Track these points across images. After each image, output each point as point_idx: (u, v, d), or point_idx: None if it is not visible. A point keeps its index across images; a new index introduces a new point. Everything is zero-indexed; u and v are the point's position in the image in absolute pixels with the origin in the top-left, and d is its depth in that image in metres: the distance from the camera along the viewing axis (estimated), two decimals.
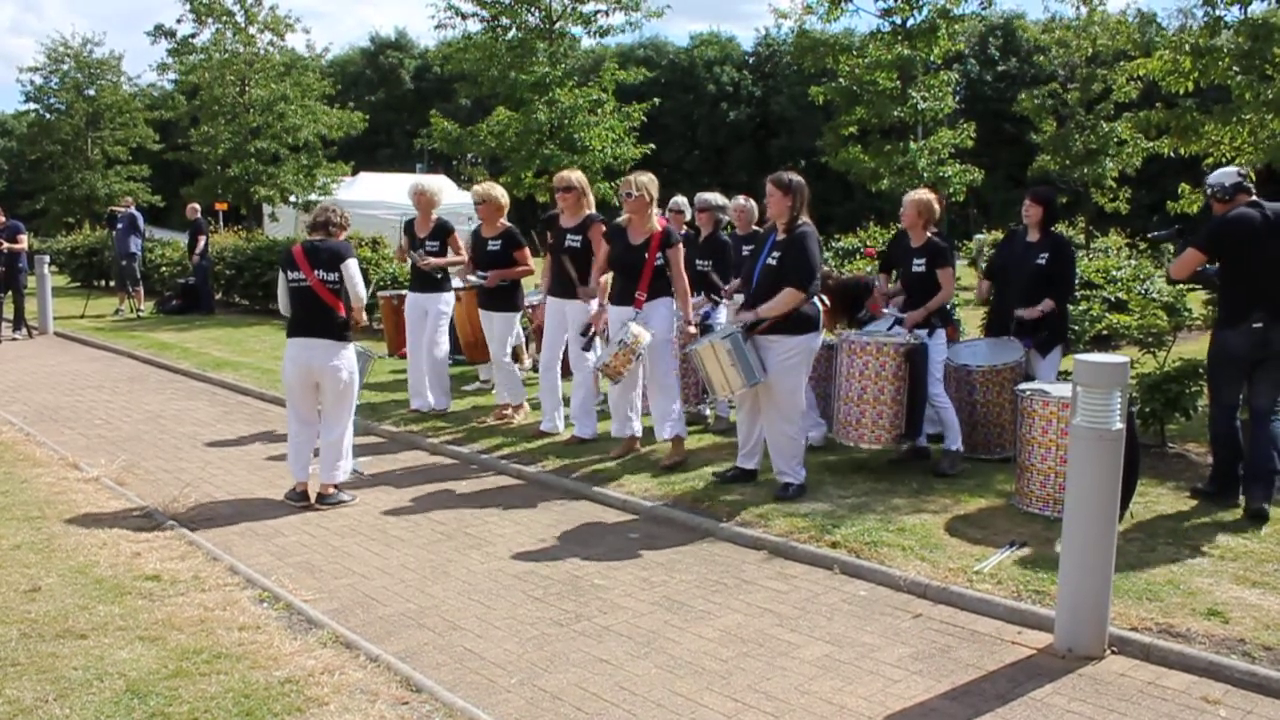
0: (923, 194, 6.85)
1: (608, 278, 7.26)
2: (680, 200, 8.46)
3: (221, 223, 28.41)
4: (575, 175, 7.65)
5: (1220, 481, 5.87)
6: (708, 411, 8.06)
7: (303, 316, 6.19)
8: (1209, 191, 5.89)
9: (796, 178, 6.08)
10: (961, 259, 20.08)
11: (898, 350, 6.31)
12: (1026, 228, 6.98)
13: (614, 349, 6.61)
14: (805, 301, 5.94)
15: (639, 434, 7.22)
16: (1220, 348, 5.77)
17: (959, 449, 6.62)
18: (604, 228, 7.32)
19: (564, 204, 7.53)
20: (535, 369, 9.20)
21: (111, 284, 22.16)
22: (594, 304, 7.32)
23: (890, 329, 6.70)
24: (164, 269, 19.05)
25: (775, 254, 6.02)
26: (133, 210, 17.60)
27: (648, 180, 6.83)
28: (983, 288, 7.45)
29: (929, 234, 6.77)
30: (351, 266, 6.18)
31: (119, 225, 17.06)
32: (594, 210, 7.66)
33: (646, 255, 6.72)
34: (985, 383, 6.80)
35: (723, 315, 7.65)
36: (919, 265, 6.69)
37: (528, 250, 8.08)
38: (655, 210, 6.89)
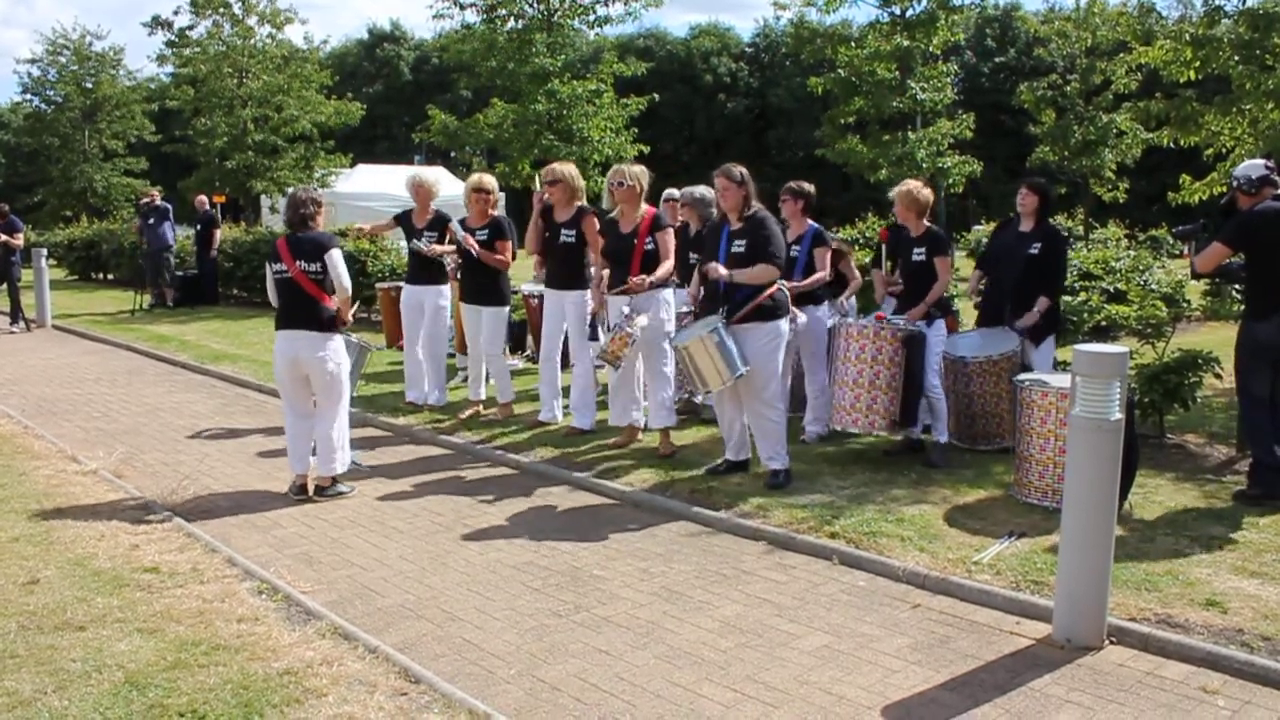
0: (908, 184, 6.83)
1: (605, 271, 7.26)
2: (672, 191, 8.42)
3: (220, 215, 28.27)
4: (563, 168, 7.60)
5: (1266, 480, 5.67)
6: (699, 398, 8.06)
7: (287, 309, 6.16)
8: (1235, 184, 5.82)
9: (744, 170, 6.20)
10: (961, 250, 20.06)
11: (895, 335, 6.32)
12: (1020, 217, 6.98)
13: (611, 334, 6.63)
14: (779, 276, 6.10)
15: (640, 424, 7.22)
16: (1250, 340, 5.72)
17: (946, 440, 6.63)
18: (596, 220, 7.34)
19: (553, 197, 7.52)
20: (533, 360, 9.20)
21: (110, 277, 22.14)
22: (588, 295, 7.34)
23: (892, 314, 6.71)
24: None
25: (740, 241, 6.12)
26: (161, 203, 17.14)
27: (639, 171, 6.90)
28: (974, 279, 7.41)
29: (926, 223, 6.76)
30: (335, 257, 6.12)
31: (149, 219, 16.69)
32: (585, 203, 7.65)
33: (636, 241, 6.78)
34: (981, 374, 6.79)
35: None
36: (919, 255, 6.68)
37: (510, 244, 8.03)
38: (643, 203, 6.92)
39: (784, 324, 6.23)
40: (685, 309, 7.32)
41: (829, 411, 7.23)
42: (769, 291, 6.07)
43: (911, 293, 6.72)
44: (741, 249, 6.09)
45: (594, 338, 7.32)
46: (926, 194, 6.81)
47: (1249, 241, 5.66)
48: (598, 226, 7.38)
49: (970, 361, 6.78)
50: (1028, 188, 6.94)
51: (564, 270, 7.49)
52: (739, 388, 6.15)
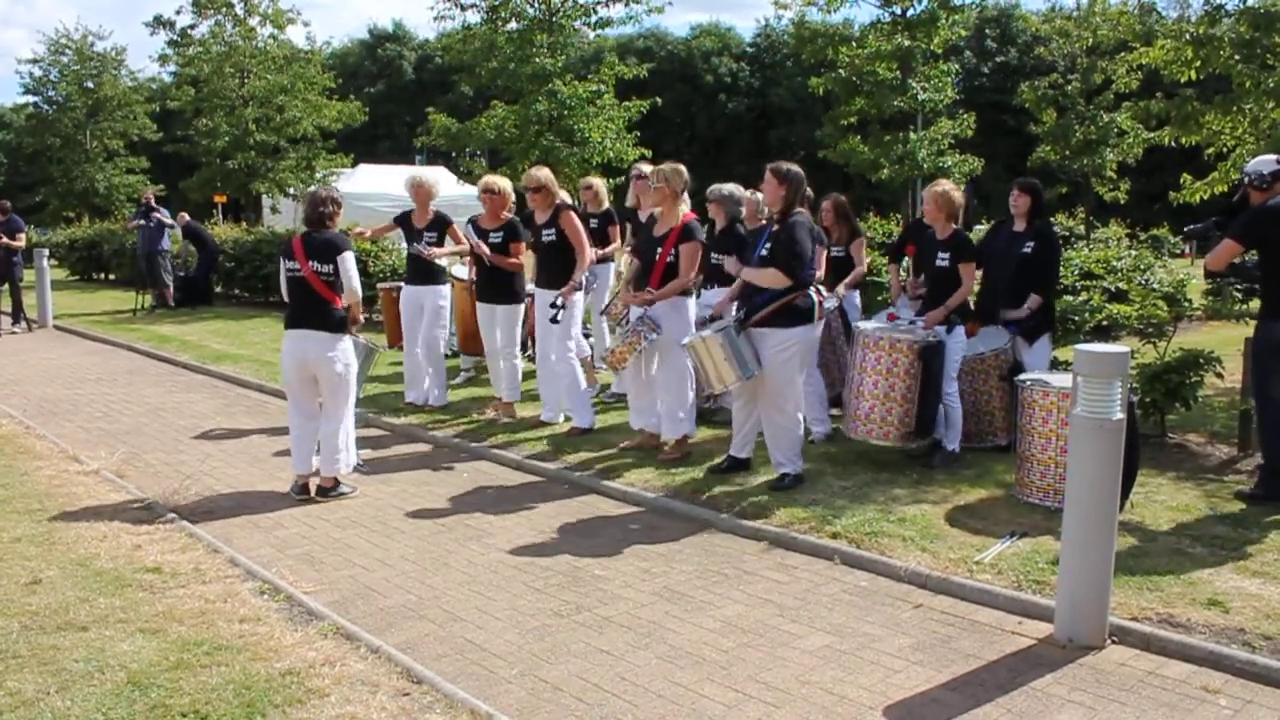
0: (941, 185, 6.69)
1: (625, 261, 7.24)
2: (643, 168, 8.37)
3: (221, 216, 28.30)
4: (540, 173, 7.61)
5: (1270, 484, 5.64)
6: (708, 403, 8.03)
7: (298, 308, 6.18)
8: (1246, 179, 5.73)
9: (795, 168, 6.06)
10: None
11: (911, 348, 6.26)
12: (1013, 218, 6.96)
13: (621, 337, 6.56)
14: (792, 285, 5.90)
15: (657, 431, 7.15)
16: (1267, 339, 5.61)
17: (955, 450, 6.56)
18: (575, 215, 7.42)
19: (534, 203, 7.55)
20: (533, 359, 9.18)
21: (112, 277, 22.16)
22: (578, 292, 7.40)
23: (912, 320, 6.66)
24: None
25: (768, 244, 6.03)
26: (155, 205, 16.82)
27: (671, 171, 6.73)
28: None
29: (954, 227, 6.63)
30: (348, 260, 6.14)
31: (149, 220, 16.50)
32: (563, 199, 7.66)
33: (661, 250, 6.69)
34: (972, 371, 6.78)
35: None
36: (943, 259, 6.57)
37: (524, 245, 8.04)
38: (683, 203, 6.81)
39: (811, 330, 6.08)
40: (706, 312, 7.32)
41: (827, 410, 7.25)
42: (789, 298, 5.92)
43: (934, 296, 6.62)
44: (766, 253, 6.00)
45: (555, 320, 7.27)
46: (959, 197, 6.68)
47: (1261, 237, 5.57)
48: (578, 221, 7.46)
49: (964, 359, 6.77)
50: (1019, 189, 6.90)
51: (550, 270, 7.52)
52: (756, 389, 6.13)
